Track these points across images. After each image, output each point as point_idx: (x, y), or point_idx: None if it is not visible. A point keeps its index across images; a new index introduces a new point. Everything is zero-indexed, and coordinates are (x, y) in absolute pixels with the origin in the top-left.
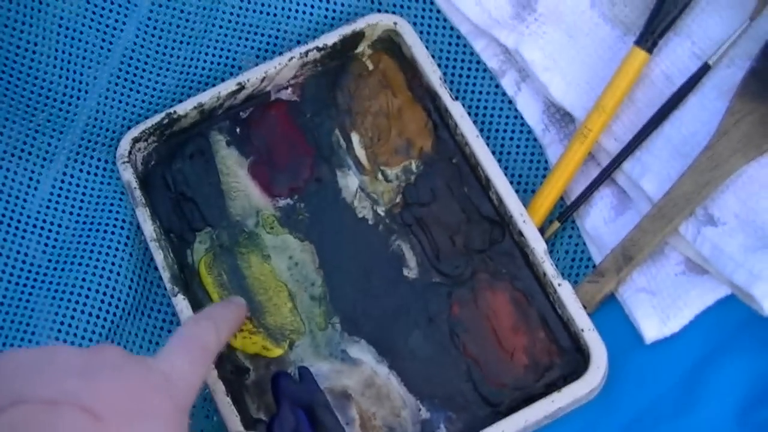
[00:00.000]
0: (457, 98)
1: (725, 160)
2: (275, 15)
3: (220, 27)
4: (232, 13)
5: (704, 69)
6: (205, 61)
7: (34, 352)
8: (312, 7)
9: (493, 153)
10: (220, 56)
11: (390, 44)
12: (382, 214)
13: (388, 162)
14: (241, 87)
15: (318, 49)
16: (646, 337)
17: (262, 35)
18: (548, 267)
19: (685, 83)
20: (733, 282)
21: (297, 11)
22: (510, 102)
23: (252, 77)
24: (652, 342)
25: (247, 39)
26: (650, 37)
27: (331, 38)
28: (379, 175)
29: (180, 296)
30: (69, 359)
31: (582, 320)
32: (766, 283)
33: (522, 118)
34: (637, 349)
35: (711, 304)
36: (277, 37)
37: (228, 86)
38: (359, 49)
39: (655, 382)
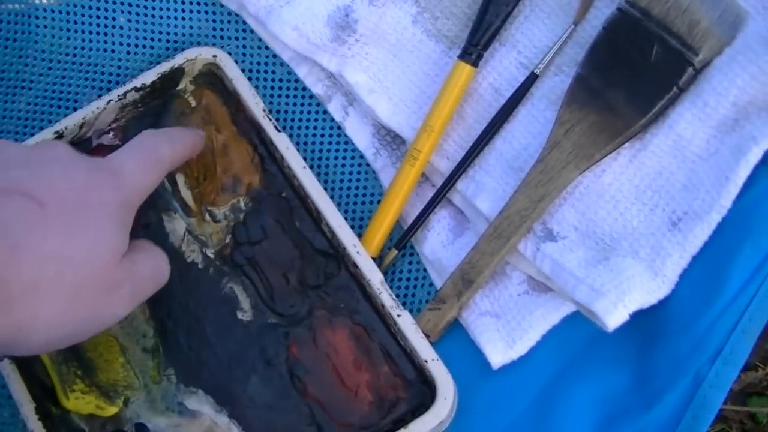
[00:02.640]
0: (282, 129)
1: (558, 172)
2: (113, 51)
3: (64, 70)
4: (75, 54)
5: (531, 79)
6: (44, 105)
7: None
8: (152, 40)
9: (325, 183)
10: (60, 98)
11: (212, 78)
12: (212, 256)
13: (216, 201)
14: (60, 135)
15: (136, 89)
16: (492, 362)
17: (103, 73)
18: (386, 298)
19: (512, 95)
20: (575, 299)
21: (137, 46)
22: (339, 128)
23: (70, 124)
24: (500, 367)
25: (86, 79)
26: (474, 50)
27: (149, 77)
28: (207, 216)
29: (6, 361)
30: (16, 151)
31: (425, 351)
32: (606, 299)
33: (352, 143)
34: (486, 375)
35: (557, 323)
36: (119, 74)
37: (45, 135)
38: (181, 86)
39: (507, 408)
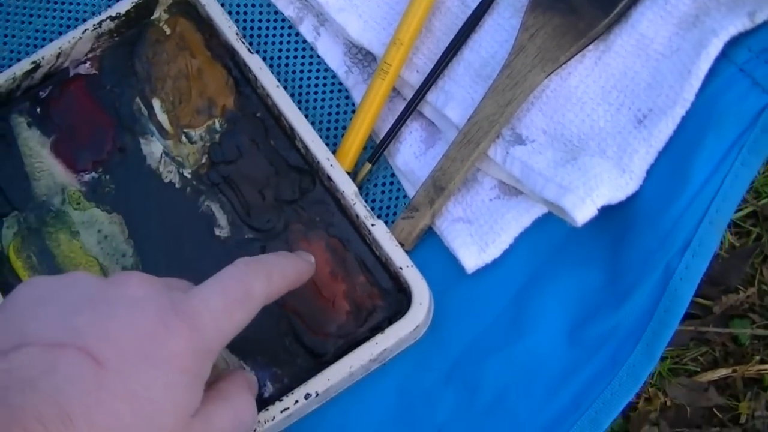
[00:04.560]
0: (255, 52)
1: (524, 77)
2: None
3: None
4: None
5: None
6: (21, 38)
7: (53, 281)
8: None
9: (299, 102)
10: (37, 30)
11: (186, 7)
12: (189, 176)
13: (191, 123)
14: (37, 65)
15: (111, 18)
16: (466, 266)
17: (79, 3)
18: (360, 209)
19: (478, 6)
20: (544, 198)
21: None
22: (311, 49)
23: (47, 54)
24: (474, 271)
25: (62, 11)
26: None
27: (123, 6)
28: (183, 138)
29: None
30: (85, 291)
31: (399, 258)
32: (574, 194)
33: (324, 63)
34: (461, 280)
35: (528, 225)
36: (94, 5)
37: (23, 66)
38: (155, 15)
39: (483, 311)
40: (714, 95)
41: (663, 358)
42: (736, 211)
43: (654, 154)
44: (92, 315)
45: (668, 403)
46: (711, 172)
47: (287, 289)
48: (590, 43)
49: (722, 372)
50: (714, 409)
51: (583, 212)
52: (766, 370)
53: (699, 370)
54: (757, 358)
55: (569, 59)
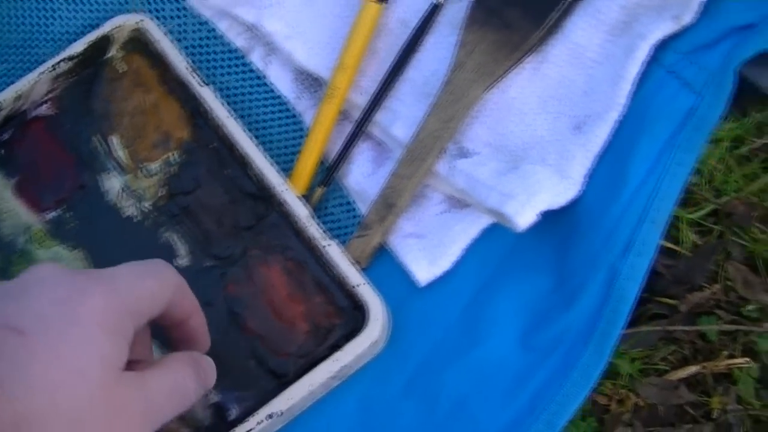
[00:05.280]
0: (207, 84)
1: (464, 92)
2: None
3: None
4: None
5: (435, 8)
6: None
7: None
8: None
9: (253, 130)
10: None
11: (139, 44)
12: (148, 209)
13: (149, 157)
14: None
15: (68, 59)
16: (419, 280)
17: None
18: (314, 231)
19: (418, 25)
20: (487, 207)
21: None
22: (262, 77)
23: (6, 98)
24: (427, 284)
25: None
26: None
27: (78, 47)
28: (142, 172)
29: None
30: (7, 287)
31: (354, 276)
32: (516, 201)
33: (275, 90)
34: (416, 293)
35: (476, 236)
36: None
37: None
38: (110, 54)
39: (438, 322)
40: (646, 98)
41: (632, 359)
42: (698, 210)
43: (592, 158)
44: (10, 298)
45: (640, 404)
46: (647, 173)
47: (193, 302)
48: (526, 55)
49: (692, 369)
50: (686, 406)
51: (524, 218)
52: (735, 364)
53: (669, 368)
54: (726, 353)
55: (507, 72)
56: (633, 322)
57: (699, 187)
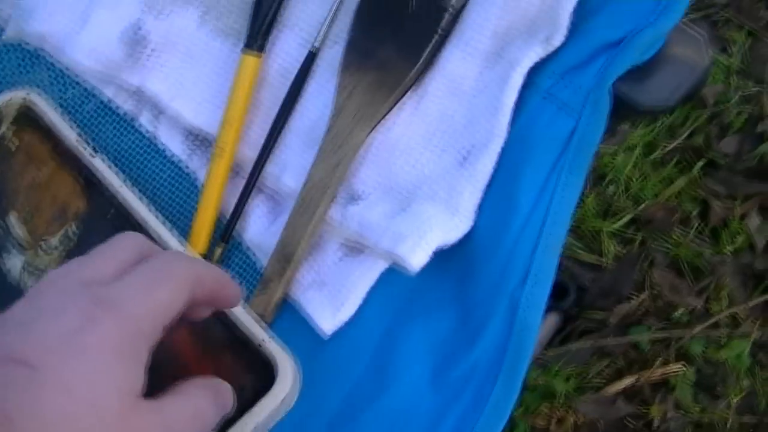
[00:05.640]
0: (98, 152)
1: (347, 137)
2: None
3: None
4: None
5: (312, 55)
6: None
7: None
8: None
9: (148, 195)
10: None
11: (29, 119)
12: None
13: (48, 232)
14: None
15: None
16: (323, 330)
17: None
18: None
19: (298, 74)
20: (380, 250)
21: None
22: (153, 139)
23: None
24: (333, 333)
25: None
26: (257, 38)
27: None
28: (42, 248)
29: None
30: (12, 310)
31: (258, 333)
32: (407, 242)
33: (167, 151)
34: (325, 342)
35: (376, 280)
36: None
37: None
38: (1, 131)
39: (349, 369)
40: (526, 124)
41: (567, 378)
42: (617, 221)
43: (480, 191)
44: (21, 328)
45: (580, 422)
46: (536, 200)
47: (215, 280)
48: (405, 93)
49: (628, 381)
50: (626, 419)
51: (416, 259)
52: (670, 371)
53: (605, 383)
54: (660, 360)
55: (388, 112)
56: (564, 340)
57: (616, 197)
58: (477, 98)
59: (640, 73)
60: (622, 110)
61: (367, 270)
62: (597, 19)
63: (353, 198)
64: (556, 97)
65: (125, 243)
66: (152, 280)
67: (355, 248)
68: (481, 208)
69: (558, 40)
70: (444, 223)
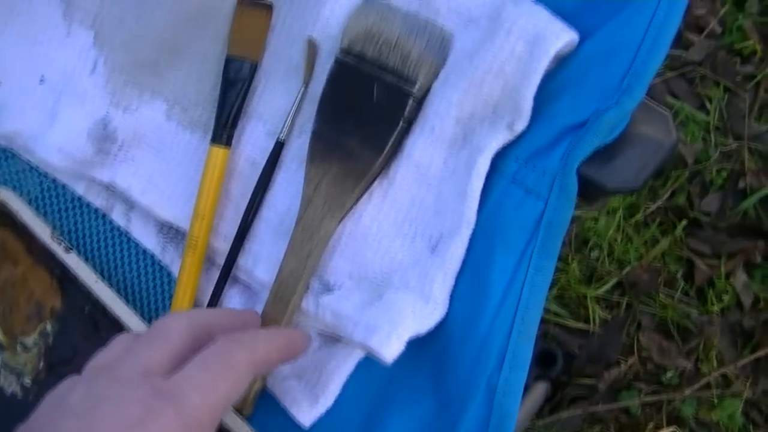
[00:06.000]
0: (73, 248)
1: (317, 227)
2: None
3: None
4: None
5: (279, 146)
6: None
7: (48, 400)
8: None
9: (122, 289)
10: None
11: (3, 215)
12: (29, 384)
13: (24, 330)
14: None
15: None
16: (301, 422)
17: None
18: None
19: (265, 165)
20: (354, 341)
21: None
22: (126, 233)
23: None
24: (312, 424)
25: None
26: (224, 130)
27: None
28: (19, 347)
29: None
30: (68, 396)
31: (238, 426)
32: (380, 333)
33: (140, 245)
34: None
35: (353, 370)
36: None
37: None
38: None
39: None
40: (494, 209)
41: None
42: (602, 286)
43: (452, 278)
44: (78, 418)
45: None
46: (507, 285)
47: (279, 356)
48: (373, 181)
49: None
50: None
51: (390, 350)
52: None
53: None
54: (651, 424)
55: (357, 201)
56: (554, 408)
57: (600, 262)
58: (444, 185)
59: (606, 153)
60: (590, 191)
61: (344, 359)
62: (559, 102)
63: (326, 288)
64: (522, 182)
65: (175, 328)
66: (213, 372)
67: (331, 338)
68: (454, 294)
69: (521, 125)
70: (417, 312)
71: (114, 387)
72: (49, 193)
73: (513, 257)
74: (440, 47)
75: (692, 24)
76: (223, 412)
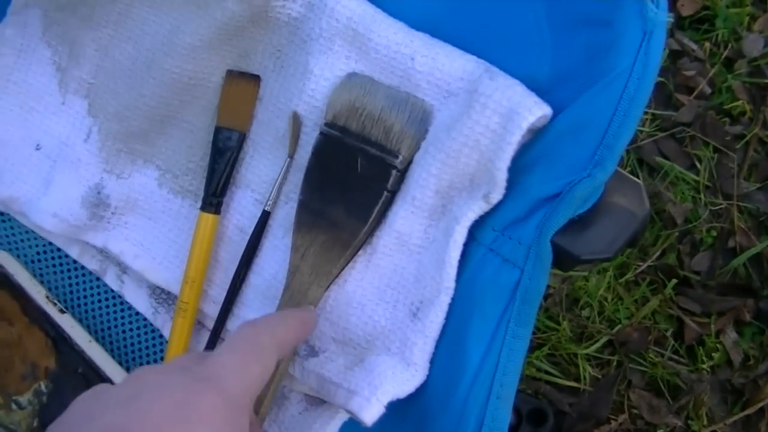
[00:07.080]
0: (67, 309)
1: (304, 294)
2: None
3: None
4: None
5: (265, 215)
6: None
7: (82, 398)
8: None
9: (115, 350)
10: None
11: (0, 278)
12: None
13: (19, 390)
14: None
15: None
16: None
17: None
18: None
19: (253, 232)
20: (336, 404)
21: None
22: (119, 296)
23: None
24: None
25: None
26: (213, 199)
27: None
28: (13, 405)
29: None
30: (110, 393)
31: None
32: (360, 396)
33: (133, 308)
34: None
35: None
36: None
37: None
38: None
39: None
40: (471, 278)
41: None
42: (592, 344)
43: (432, 343)
44: (123, 408)
45: None
46: (485, 351)
47: (296, 336)
48: (357, 251)
49: None
50: None
51: (369, 412)
52: None
53: None
54: None
55: (342, 269)
56: None
57: (591, 320)
58: (425, 253)
59: (580, 223)
60: (564, 260)
61: (328, 421)
62: (534, 174)
63: (312, 352)
64: (498, 251)
65: None
66: (244, 355)
67: (316, 400)
68: (434, 359)
69: (496, 196)
70: (398, 375)
71: (154, 377)
72: (45, 256)
73: (490, 323)
74: (421, 120)
75: (682, 85)
76: (257, 391)
